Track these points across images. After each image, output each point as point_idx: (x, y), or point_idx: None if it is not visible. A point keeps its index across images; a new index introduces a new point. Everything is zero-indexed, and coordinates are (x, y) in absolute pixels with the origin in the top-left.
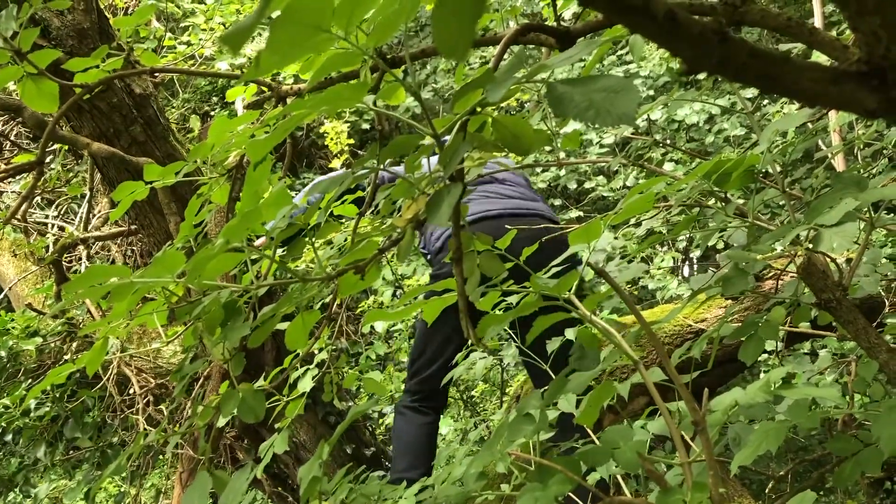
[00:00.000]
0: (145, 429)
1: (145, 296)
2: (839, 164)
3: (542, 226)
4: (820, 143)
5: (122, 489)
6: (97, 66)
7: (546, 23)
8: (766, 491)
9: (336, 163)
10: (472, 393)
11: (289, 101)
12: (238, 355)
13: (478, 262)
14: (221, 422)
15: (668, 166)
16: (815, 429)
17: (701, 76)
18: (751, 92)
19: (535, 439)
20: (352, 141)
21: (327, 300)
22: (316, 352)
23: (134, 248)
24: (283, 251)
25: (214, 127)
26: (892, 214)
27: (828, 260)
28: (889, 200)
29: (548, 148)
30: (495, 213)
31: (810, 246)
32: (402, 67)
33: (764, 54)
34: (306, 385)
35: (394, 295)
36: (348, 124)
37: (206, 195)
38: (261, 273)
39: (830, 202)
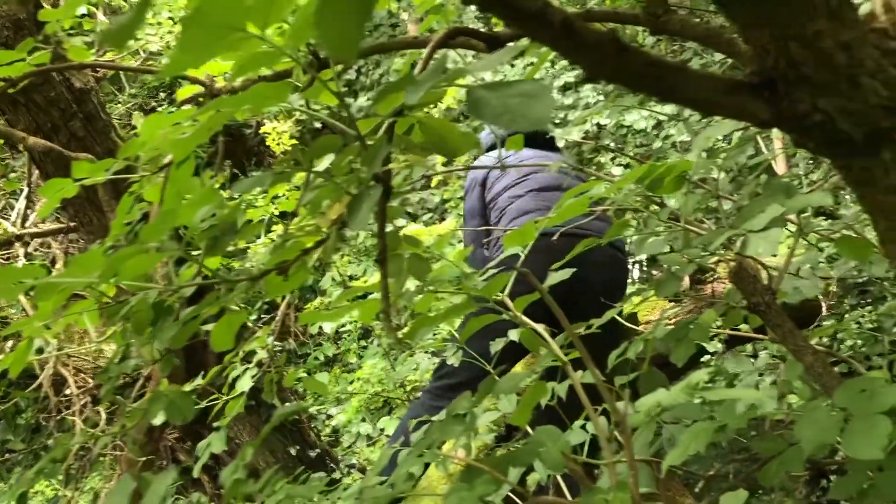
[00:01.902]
0: (83, 430)
1: (79, 293)
2: (780, 168)
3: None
4: (764, 148)
5: (59, 492)
6: (23, 60)
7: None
8: (697, 490)
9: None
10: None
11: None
12: (167, 356)
13: (405, 265)
14: (157, 420)
15: (616, 170)
16: (746, 429)
17: None
18: None
19: (469, 440)
20: (294, 141)
21: (273, 299)
22: (258, 350)
23: (76, 245)
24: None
25: (147, 123)
26: (830, 220)
27: (758, 265)
28: (820, 207)
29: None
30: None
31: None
32: (336, 68)
33: (660, 64)
34: (245, 384)
35: None
36: (301, 124)
37: (137, 192)
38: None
39: (760, 207)
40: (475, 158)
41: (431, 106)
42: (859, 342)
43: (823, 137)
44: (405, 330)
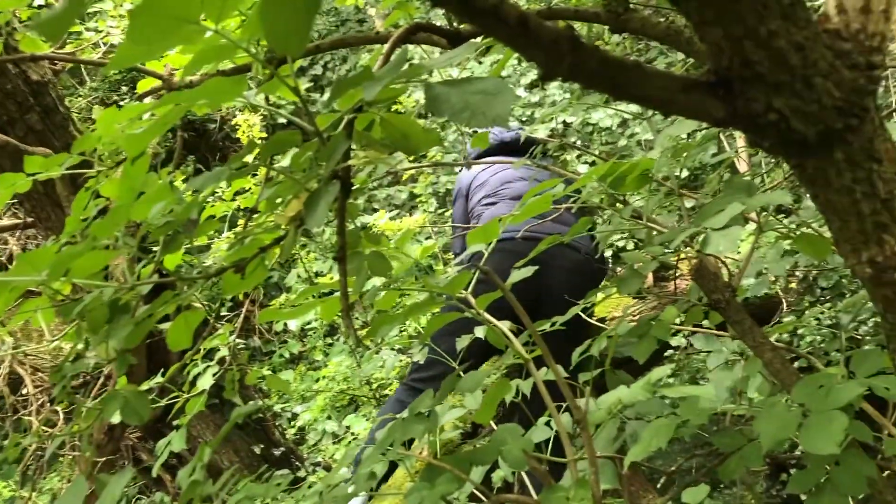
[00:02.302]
0: (39, 430)
1: (34, 291)
2: (743, 166)
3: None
4: (727, 146)
5: (16, 493)
6: None
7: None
8: (658, 486)
9: (248, 157)
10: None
11: None
12: (123, 355)
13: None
14: (116, 418)
15: (582, 168)
16: (709, 425)
17: None
18: None
19: (434, 438)
20: (264, 135)
21: (237, 296)
22: (220, 348)
23: (34, 241)
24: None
25: (103, 118)
26: (790, 217)
27: (719, 262)
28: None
29: (460, 147)
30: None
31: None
32: (295, 64)
33: (614, 61)
34: (206, 382)
35: None
36: (266, 120)
37: (93, 188)
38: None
39: (720, 206)
40: (457, 158)
41: (406, 101)
42: (818, 338)
43: (778, 137)
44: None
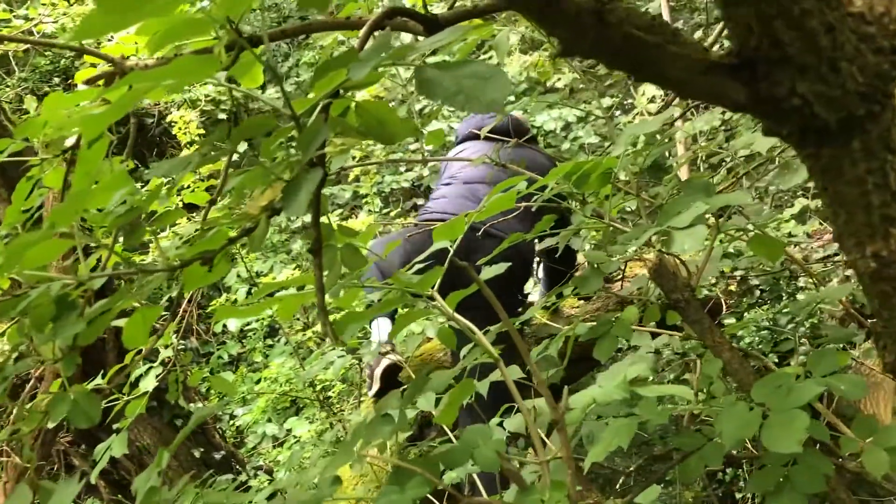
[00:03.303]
0: None
1: None
2: (683, 173)
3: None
4: (667, 153)
5: None
6: None
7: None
8: (616, 486)
9: (186, 154)
10: (329, 393)
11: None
12: (71, 355)
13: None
14: (52, 423)
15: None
16: (660, 424)
17: (559, 84)
18: (605, 101)
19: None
20: (202, 131)
21: (174, 295)
22: (161, 349)
23: None
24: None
25: (48, 103)
26: (732, 219)
27: (677, 262)
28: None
29: (412, 147)
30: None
31: (662, 248)
32: (261, 47)
33: (637, 39)
34: (148, 384)
35: (249, 293)
36: (205, 115)
37: (36, 177)
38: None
39: (681, 206)
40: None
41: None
42: (756, 339)
43: (799, 123)
44: (316, 328)
